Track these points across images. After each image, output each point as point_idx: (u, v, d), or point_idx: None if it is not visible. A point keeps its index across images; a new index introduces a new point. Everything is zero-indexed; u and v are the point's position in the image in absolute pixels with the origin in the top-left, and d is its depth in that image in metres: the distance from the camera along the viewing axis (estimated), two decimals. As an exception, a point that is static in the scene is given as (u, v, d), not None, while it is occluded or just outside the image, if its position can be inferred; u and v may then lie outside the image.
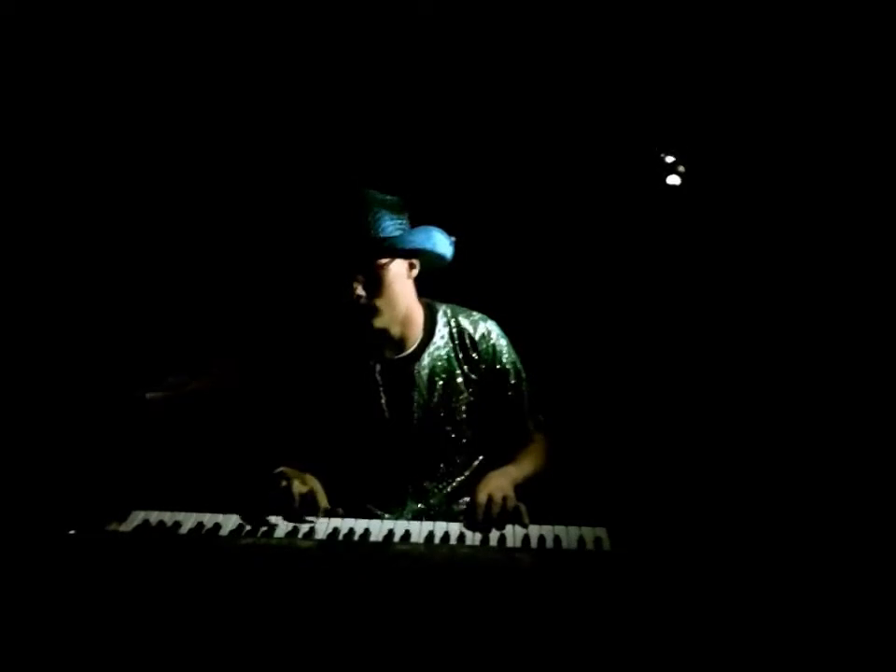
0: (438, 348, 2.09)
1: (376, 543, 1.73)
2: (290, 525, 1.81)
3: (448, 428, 2.09)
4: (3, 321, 2.56)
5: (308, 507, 1.84)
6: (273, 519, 1.83)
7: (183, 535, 1.77)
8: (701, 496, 2.33)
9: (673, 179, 2.61)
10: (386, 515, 2.01)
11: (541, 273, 2.77)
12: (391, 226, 1.92)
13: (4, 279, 2.62)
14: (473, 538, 1.77)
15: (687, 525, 1.93)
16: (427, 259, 2.01)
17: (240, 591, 1.54)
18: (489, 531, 1.79)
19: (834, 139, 2.52)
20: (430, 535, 1.76)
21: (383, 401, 2.05)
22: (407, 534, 1.76)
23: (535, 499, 1.90)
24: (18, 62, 2.57)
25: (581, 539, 1.74)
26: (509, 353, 2.15)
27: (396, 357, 2.07)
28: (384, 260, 1.91)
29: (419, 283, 2.07)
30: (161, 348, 2.55)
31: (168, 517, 1.83)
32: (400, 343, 2.06)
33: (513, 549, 1.71)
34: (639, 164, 2.67)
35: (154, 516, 1.83)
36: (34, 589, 1.54)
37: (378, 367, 2.05)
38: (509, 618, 1.47)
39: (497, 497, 1.83)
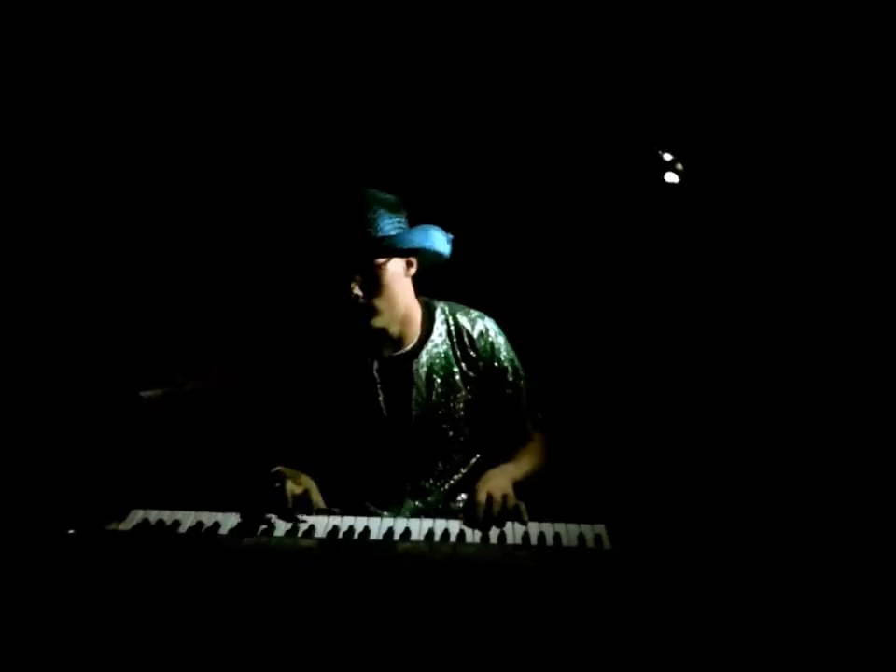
0: (436, 346, 2.09)
1: (377, 542, 1.73)
2: (290, 524, 1.81)
3: (446, 426, 2.08)
4: (1, 320, 2.55)
5: (303, 507, 1.84)
6: (272, 518, 1.83)
7: (182, 534, 1.76)
8: (700, 492, 2.34)
9: (671, 177, 2.61)
10: (385, 513, 2.01)
11: (539, 271, 2.77)
12: (389, 225, 1.92)
13: (3, 278, 2.61)
14: (473, 535, 1.77)
15: (686, 522, 1.93)
16: (425, 258, 2.01)
17: (240, 590, 1.54)
18: (489, 529, 1.79)
19: (833, 137, 2.52)
20: (430, 532, 1.76)
21: (381, 399, 2.05)
22: (407, 532, 1.76)
23: (533, 496, 1.91)
24: (18, 62, 2.57)
25: (581, 537, 1.74)
26: (507, 350, 2.15)
27: (394, 354, 2.07)
28: (381, 260, 1.91)
29: (417, 280, 2.06)
30: (159, 347, 2.54)
31: (167, 516, 1.82)
32: (399, 340, 2.07)
33: (514, 546, 1.71)
34: (637, 162, 2.67)
35: (153, 515, 1.83)
36: (33, 589, 1.54)
37: (376, 364, 2.05)
38: (511, 616, 1.47)
39: (497, 495, 1.84)
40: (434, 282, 2.11)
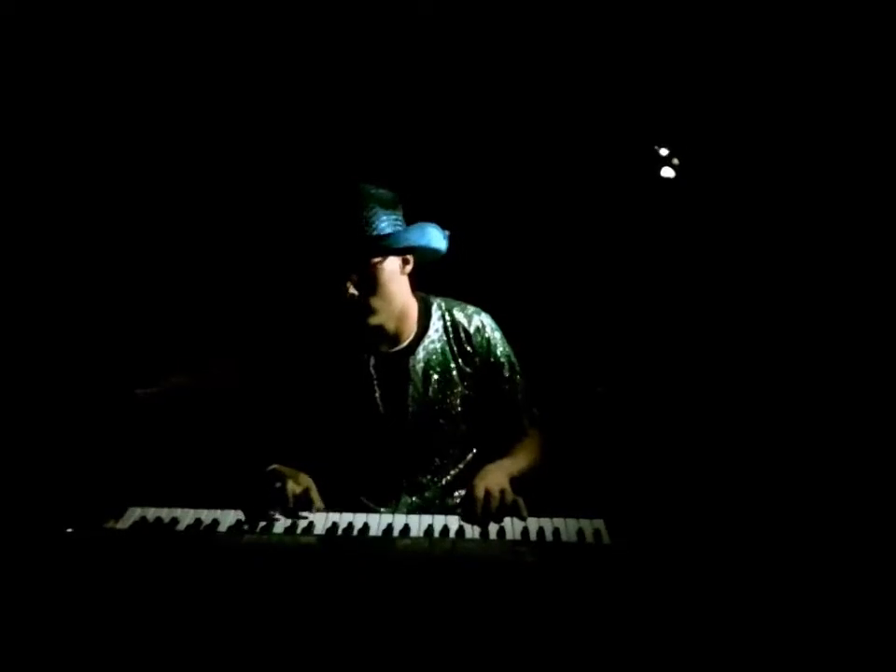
0: (432, 342, 2.09)
1: (377, 538, 1.73)
2: (289, 521, 1.80)
3: (443, 422, 2.08)
4: (0, 319, 2.54)
5: (303, 507, 1.84)
6: (270, 515, 1.82)
7: (180, 531, 1.76)
8: (698, 487, 2.35)
9: (667, 172, 2.62)
10: (381, 509, 2.01)
11: (535, 266, 2.77)
12: (385, 223, 1.91)
13: (2, 277, 2.60)
14: (473, 531, 1.77)
15: (685, 516, 1.94)
16: (422, 254, 2.01)
17: (240, 587, 1.53)
18: (488, 525, 1.79)
19: (828, 132, 2.53)
20: (430, 529, 1.77)
21: (377, 395, 2.05)
22: (406, 528, 1.76)
23: (531, 491, 1.91)
24: (18, 62, 2.55)
25: (580, 532, 1.75)
26: (503, 346, 2.15)
27: (390, 350, 2.07)
28: (377, 259, 1.91)
29: (413, 275, 2.06)
30: (157, 346, 2.54)
31: (165, 514, 1.82)
32: (395, 337, 2.06)
33: (514, 542, 1.72)
34: (634, 157, 2.67)
35: (151, 513, 1.82)
36: (31, 588, 1.53)
37: (372, 361, 2.05)
38: (512, 611, 1.48)
39: (495, 490, 1.83)
40: (430, 277, 2.11)
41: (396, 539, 1.72)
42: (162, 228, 2.73)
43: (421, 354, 2.07)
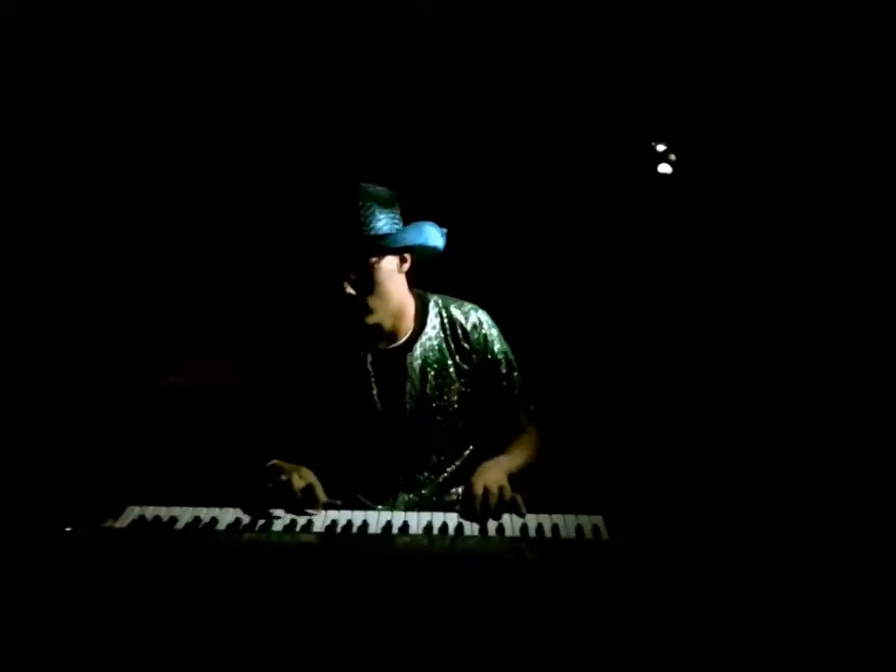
0: (430, 339, 2.09)
1: (376, 535, 1.73)
2: (288, 519, 1.80)
3: (440, 419, 2.08)
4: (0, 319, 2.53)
5: (308, 501, 1.84)
6: (270, 512, 1.82)
7: (179, 530, 1.75)
8: (697, 482, 2.35)
9: (664, 168, 2.62)
10: (379, 507, 2.01)
11: (533, 263, 2.77)
12: (383, 221, 1.91)
13: (2, 277, 2.59)
14: (471, 528, 1.77)
15: (683, 512, 1.95)
16: (419, 253, 2.00)
17: (240, 586, 1.53)
18: (487, 521, 1.79)
19: (825, 128, 2.54)
20: (429, 526, 1.77)
21: (374, 392, 2.05)
22: (406, 525, 1.77)
23: (530, 488, 1.91)
24: (18, 62, 2.54)
25: (579, 529, 1.75)
26: (500, 343, 2.15)
27: (388, 347, 2.07)
28: (375, 258, 1.90)
29: (410, 272, 2.05)
30: (156, 346, 2.53)
31: (164, 512, 1.81)
32: (392, 334, 2.06)
33: (513, 539, 1.72)
34: (631, 153, 2.67)
35: (150, 511, 1.81)
36: (30, 587, 1.53)
37: (370, 358, 2.05)
38: (512, 608, 1.48)
39: (493, 487, 1.83)
40: (427, 274, 2.11)
41: (395, 536, 1.72)
42: (162, 228, 2.72)
43: (418, 351, 2.07)
